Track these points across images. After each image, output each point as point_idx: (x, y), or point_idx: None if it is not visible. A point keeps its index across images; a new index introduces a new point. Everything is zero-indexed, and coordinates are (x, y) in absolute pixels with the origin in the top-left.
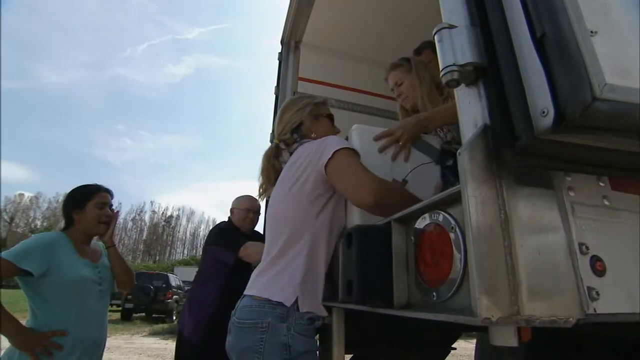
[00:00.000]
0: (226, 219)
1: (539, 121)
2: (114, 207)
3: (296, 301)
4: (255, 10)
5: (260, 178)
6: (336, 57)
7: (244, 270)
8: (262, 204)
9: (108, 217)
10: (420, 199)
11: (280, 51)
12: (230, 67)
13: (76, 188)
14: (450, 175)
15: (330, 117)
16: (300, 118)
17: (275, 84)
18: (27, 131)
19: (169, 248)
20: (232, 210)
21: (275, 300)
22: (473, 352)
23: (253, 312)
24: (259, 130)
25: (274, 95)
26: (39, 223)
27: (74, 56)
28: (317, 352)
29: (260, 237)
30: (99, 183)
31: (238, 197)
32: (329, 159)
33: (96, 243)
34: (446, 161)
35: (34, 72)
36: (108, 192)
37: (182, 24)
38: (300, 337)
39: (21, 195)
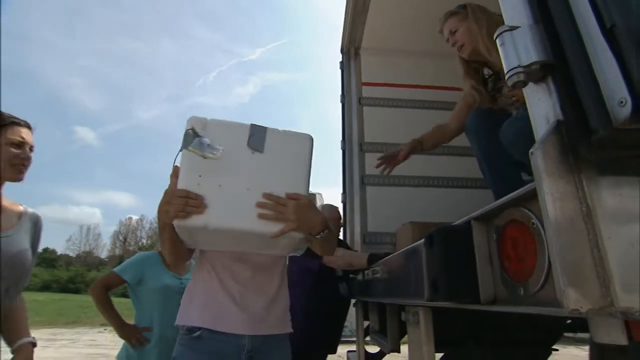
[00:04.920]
0: None
1: (616, 112)
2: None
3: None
4: (310, 22)
5: None
6: (398, 57)
7: (327, 276)
8: None
9: None
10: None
11: (341, 60)
12: (293, 80)
13: None
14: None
15: None
16: None
17: (340, 92)
18: (132, 164)
19: None
20: None
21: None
22: None
23: None
24: (329, 139)
25: (341, 103)
26: (144, 241)
27: (157, 93)
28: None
29: (341, 244)
30: None
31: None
32: None
33: (189, 262)
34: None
35: (130, 113)
36: None
37: (245, 47)
38: (179, 347)
39: (130, 218)
